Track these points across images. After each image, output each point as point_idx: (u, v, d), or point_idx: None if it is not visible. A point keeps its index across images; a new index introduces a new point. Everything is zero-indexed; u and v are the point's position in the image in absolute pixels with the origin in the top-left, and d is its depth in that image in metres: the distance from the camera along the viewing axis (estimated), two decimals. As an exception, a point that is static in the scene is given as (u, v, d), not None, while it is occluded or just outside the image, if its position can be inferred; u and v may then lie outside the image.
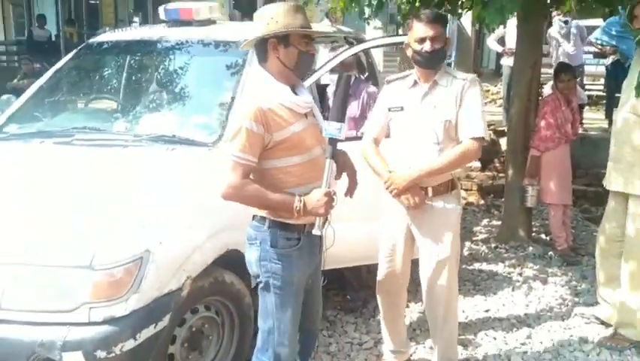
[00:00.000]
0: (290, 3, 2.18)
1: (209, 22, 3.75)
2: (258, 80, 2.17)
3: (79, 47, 3.92)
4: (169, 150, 2.74)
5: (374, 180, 2.81)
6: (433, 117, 2.63)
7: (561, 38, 7.14)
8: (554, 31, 7.23)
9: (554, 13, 6.50)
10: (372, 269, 3.83)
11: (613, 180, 3.25)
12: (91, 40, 3.97)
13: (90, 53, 3.81)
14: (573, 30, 7.03)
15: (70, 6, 14.43)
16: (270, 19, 2.08)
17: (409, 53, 2.68)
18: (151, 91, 3.46)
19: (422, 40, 2.59)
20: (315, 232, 2.14)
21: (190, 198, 2.49)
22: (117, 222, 2.22)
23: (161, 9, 3.83)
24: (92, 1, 14.48)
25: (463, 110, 2.59)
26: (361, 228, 3.15)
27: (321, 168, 2.13)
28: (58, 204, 2.30)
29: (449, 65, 7.81)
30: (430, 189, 2.67)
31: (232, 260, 2.59)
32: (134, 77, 3.66)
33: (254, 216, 2.21)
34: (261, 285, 2.20)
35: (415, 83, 2.73)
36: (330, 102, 3.90)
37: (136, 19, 13.97)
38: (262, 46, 2.12)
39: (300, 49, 2.12)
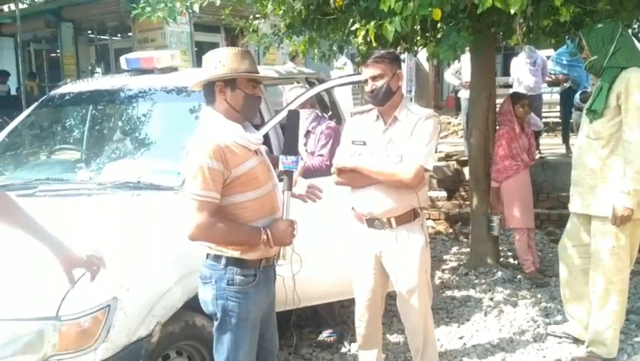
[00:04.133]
0: (237, 48, 2.26)
1: (171, 69, 3.82)
2: (209, 120, 2.21)
3: (41, 100, 3.93)
4: (134, 196, 2.75)
5: (342, 217, 2.87)
6: (390, 152, 2.73)
7: (523, 72, 7.37)
8: (519, 63, 7.48)
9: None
10: (345, 304, 3.86)
11: (576, 203, 3.34)
12: (53, 92, 3.98)
13: (52, 104, 3.81)
14: (539, 62, 7.29)
15: (31, 59, 14.37)
16: (217, 63, 2.16)
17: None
18: (115, 139, 3.47)
19: (367, 82, 2.74)
20: (281, 261, 2.25)
21: (157, 243, 2.49)
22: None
23: (122, 59, 3.89)
24: (53, 54, 14.45)
25: (411, 141, 2.70)
26: (331, 264, 3.17)
27: (272, 203, 2.25)
28: (22, 256, 2.24)
29: (410, 100, 8.02)
30: (393, 219, 2.73)
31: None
32: (97, 127, 3.67)
33: (207, 255, 2.23)
34: (216, 323, 2.23)
35: (378, 117, 2.83)
36: (302, 141, 3.96)
37: (98, 69, 13.99)
38: (210, 88, 2.19)
39: (246, 92, 2.20)
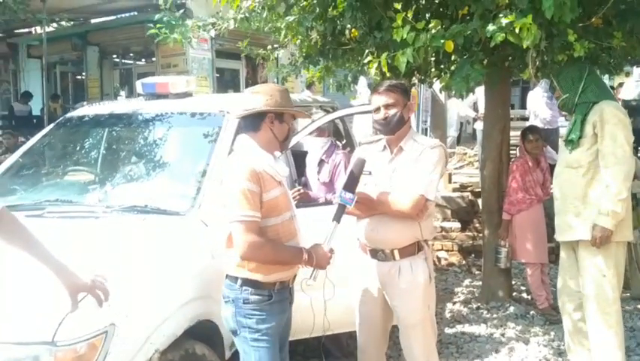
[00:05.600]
0: (280, 86, 2.54)
1: (186, 95, 3.87)
2: (245, 147, 2.39)
3: (57, 121, 3.99)
4: (140, 220, 2.75)
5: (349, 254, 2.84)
6: (394, 182, 2.70)
7: (540, 105, 7.32)
8: (536, 96, 7.43)
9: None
10: (353, 335, 3.78)
11: (562, 231, 3.40)
12: (69, 114, 4.04)
13: (68, 126, 3.87)
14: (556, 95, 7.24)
15: (57, 81, 14.70)
16: (269, 97, 2.38)
17: (373, 123, 2.80)
18: (125, 162, 3.50)
19: (377, 110, 2.73)
20: (310, 282, 2.42)
21: (160, 268, 2.47)
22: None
23: (138, 83, 3.96)
24: (78, 77, 14.76)
25: (414, 171, 2.67)
26: (341, 294, 3.11)
27: (290, 230, 2.43)
28: (21, 279, 2.23)
29: (425, 130, 8.03)
30: (396, 251, 2.69)
31: (203, 331, 2.56)
32: (109, 149, 3.70)
33: (227, 276, 2.38)
34: (236, 339, 2.37)
35: (385, 147, 2.81)
36: (315, 170, 3.97)
37: (122, 93, 14.23)
38: (258, 118, 2.39)
39: (289, 126, 2.47)
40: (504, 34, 2.97)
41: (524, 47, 2.96)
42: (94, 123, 3.83)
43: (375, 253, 2.74)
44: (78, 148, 3.78)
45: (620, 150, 3.15)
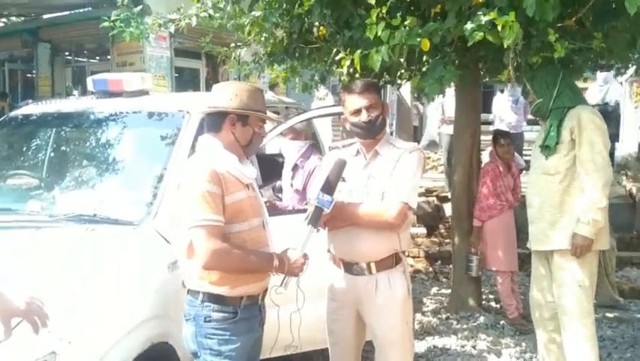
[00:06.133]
0: (253, 85, 2.30)
1: (141, 92, 3.58)
2: (207, 147, 2.19)
3: (-2, 120, 3.65)
4: (88, 231, 2.47)
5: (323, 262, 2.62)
6: (371, 188, 2.49)
7: (505, 110, 7.33)
8: (501, 100, 7.43)
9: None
10: (325, 353, 3.57)
11: (537, 242, 3.29)
12: (12, 113, 3.70)
13: (11, 125, 3.53)
14: (521, 100, 7.28)
15: (5, 79, 13.99)
16: (233, 96, 2.17)
17: (348, 126, 2.58)
18: (74, 166, 3.19)
19: (358, 112, 2.50)
20: (280, 290, 2.22)
21: (109, 286, 2.20)
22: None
23: (89, 80, 3.65)
24: (29, 74, 14.09)
25: (394, 176, 2.47)
26: (312, 310, 2.89)
27: (259, 238, 2.21)
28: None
29: (391, 133, 7.92)
30: (372, 264, 2.47)
31: (159, 354, 2.30)
32: (55, 152, 3.36)
33: (188, 291, 2.17)
34: None
35: (358, 152, 2.61)
36: (290, 175, 3.75)
37: (75, 92, 13.64)
38: (220, 118, 2.19)
39: (255, 130, 2.24)
40: (482, 33, 2.84)
41: (505, 46, 2.82)
42: (39, 123, 3.49)
43: (349, 267, 2.52)
44: (21, 150, 3.43)
45: (599, 157, 3.08)
